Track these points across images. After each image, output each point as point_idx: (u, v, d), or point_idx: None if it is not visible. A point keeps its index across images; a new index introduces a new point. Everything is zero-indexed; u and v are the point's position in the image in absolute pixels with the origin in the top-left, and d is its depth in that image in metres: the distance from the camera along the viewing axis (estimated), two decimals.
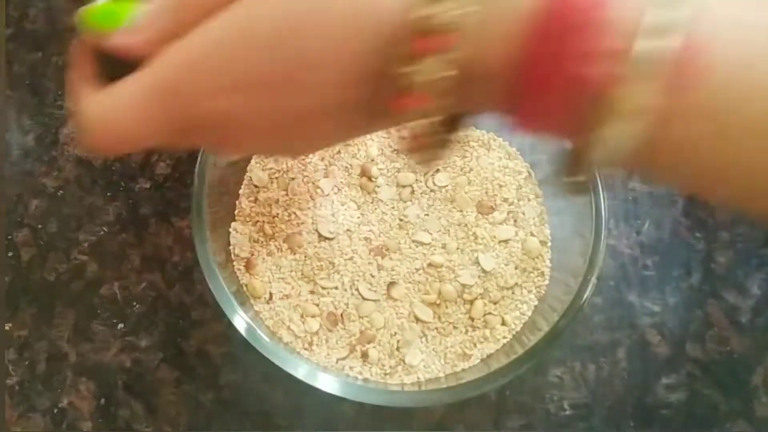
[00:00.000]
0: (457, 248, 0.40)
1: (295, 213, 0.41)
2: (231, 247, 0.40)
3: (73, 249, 0.45)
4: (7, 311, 0.43)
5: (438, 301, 0.39)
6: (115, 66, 0.22)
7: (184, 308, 0.44)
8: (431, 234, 0.40)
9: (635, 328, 0.44)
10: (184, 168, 0.47)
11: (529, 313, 0.39)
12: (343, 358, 0.37)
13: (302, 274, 0.39)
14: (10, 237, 0.45)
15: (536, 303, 0.39)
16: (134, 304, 0.44)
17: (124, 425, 0.40)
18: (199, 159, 0.38)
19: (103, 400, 0.41)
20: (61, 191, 0.46)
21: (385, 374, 0.37)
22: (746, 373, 0.43)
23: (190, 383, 0.41)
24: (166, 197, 0.46)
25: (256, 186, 0.42)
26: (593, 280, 0.35)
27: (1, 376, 0.38)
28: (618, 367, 0.43)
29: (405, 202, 0.41)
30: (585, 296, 0.35)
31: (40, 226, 0.45)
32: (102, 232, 0.46)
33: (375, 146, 0.43)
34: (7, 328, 0.42)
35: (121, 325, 0.43)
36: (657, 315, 0.44)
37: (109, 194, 0.46)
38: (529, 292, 0.39)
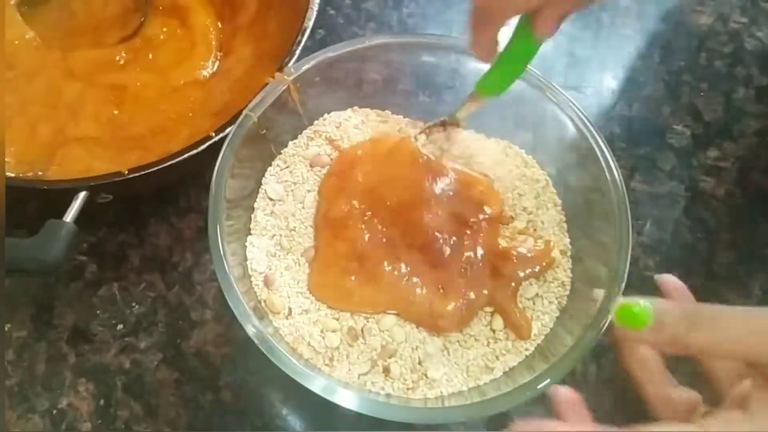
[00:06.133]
0: None
1: (312, 226, 0.40)
2: (248, 262, 0.39)
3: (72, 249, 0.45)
4: (6, 312, 0.43)
5: None
6: None
7: (183, 309, 0.43)
8: None
9: None
10: None
11: (551, 325, 0.38)
12: (365, 374, 0.36)
13: None
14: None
15: (558, 314, 0.38)
16: (133, 304, 0.44)
17: (123, 426, 0.40)
18: (215, 172, 0.36)
19: (102, 401, 0.41)
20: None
21: (408, 389, 0.36)
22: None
23: (190, 384, 0.41)
24: (166, 197, 0.46)
25: (271, 199, 0.41)
26: (620, 292, 0.34)
27: (1, 377, 0.38)
28: (619, 367, 0.42)
29: None
30: (612, 309, 0.34)
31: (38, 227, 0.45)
32: (101, 233, 0.46)
33: None
34: (6, 328, 0.42)
35: (120, 326, 0.43)
36: None
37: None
38: (551, 303, 0.38)
